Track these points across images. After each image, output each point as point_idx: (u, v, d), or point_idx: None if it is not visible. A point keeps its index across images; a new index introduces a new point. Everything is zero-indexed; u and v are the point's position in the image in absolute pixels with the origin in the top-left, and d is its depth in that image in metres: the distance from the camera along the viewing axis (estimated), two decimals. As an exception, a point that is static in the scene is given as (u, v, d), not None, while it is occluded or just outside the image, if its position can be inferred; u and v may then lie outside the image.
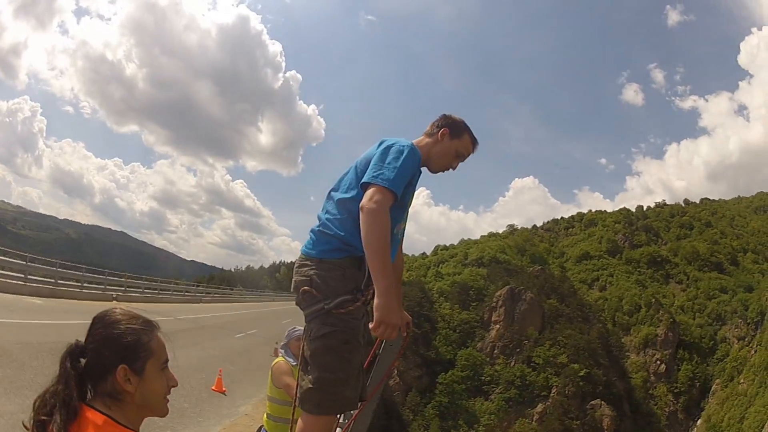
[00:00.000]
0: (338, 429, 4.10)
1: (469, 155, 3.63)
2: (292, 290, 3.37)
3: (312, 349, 3.16)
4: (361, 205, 3.06)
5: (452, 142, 3.50)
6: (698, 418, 69.79)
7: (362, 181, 3.15)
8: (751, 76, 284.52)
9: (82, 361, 1.76)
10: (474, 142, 3.60)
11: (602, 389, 70.79)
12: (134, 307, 1.99)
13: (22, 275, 24.20)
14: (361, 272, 3.19)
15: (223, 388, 14.19)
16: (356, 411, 3.65)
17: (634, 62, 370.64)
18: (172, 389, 1.89)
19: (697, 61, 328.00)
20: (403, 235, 3.65)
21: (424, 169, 3.52)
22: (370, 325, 3.00)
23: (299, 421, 3.26)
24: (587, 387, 70.60)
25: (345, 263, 3.20)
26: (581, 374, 71.28)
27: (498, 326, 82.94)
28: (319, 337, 3.12)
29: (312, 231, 3.36)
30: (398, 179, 3.11)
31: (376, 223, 2.98)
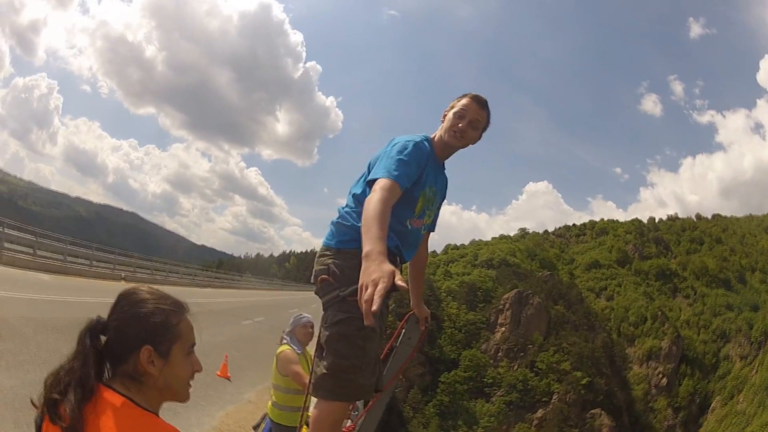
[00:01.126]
0: (349, 421, 4.01)
1: (474, 112, 3.49)
2: (311, 280, 3.40)
3: (327, 336, 3.22)
4: (368, 197, 3.06)
5: (452, 110, 3.50)
6: (697, 434, 69.76)
7: (368, 178, 3.23)
8: None
9: (102, 338, 1.72)
10: (474, 97, 3.54)
11: (603, 399, 70.95)
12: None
13: (31, 250, 24.45)
14: None
15: (228, 374, 14.10)
16: (370, 402, 3.75)
17: (654, 72, 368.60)
18: (196, 375, 1.92)
19: (716, 76, 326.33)
20: (422, 235, 3.61)
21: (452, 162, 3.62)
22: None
23: (314, 407, 3.29)
24: (588, 395, 70.86)
25: (361, 253, 2.96)
26: (583, 382, 71.56)
27: (503, 329, 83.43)
28: (334, 324, 3.17)
29: (332, 223, 3.43)
30: (402, 173, 3.16)
31: (371, 200, 2.96)
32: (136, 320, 1.70)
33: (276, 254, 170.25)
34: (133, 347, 1.67)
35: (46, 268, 23.05)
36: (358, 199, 3.29)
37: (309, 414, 3.64)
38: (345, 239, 3.24)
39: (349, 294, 3.09)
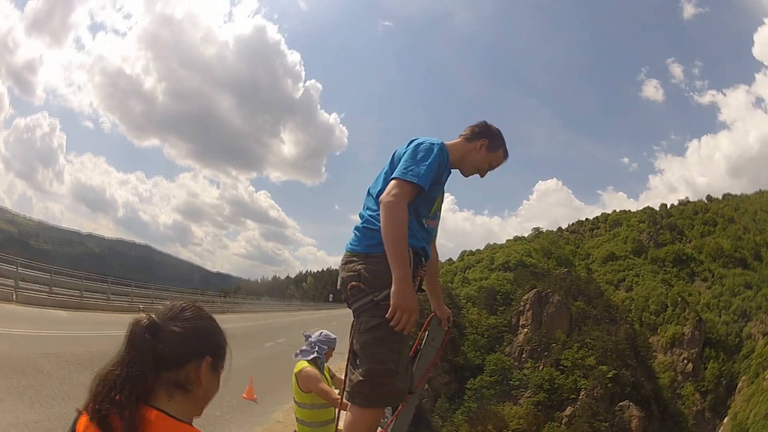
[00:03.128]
0: (379, 428, 3.93)
1: (499, 163, 3.82)
2: (338, 287, 3.43)
3: (362, 342, 3.24)
4: (380, 198, 3.23)
5: (488, 154, 3.69)
6: (725, 416, 69.20)
7: (391, 177, 3.30)
8: (767, 67, 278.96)
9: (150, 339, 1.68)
10: (506, 155, 3.80)
11: (630, 390, 70.51)
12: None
13: (47, 288, 24.55)
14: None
15: (254, 396, 14.29)
16: (400, 406, 3.78)
17: (652, 57, 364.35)
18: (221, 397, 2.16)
19: (713, 55, 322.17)
20: (437, 233, 3.73)
21: (455, 172, 3.73)
22: (388, 313, 3.10)
23: (347, 414, 3.37)
24: (615, 388, 70.37)
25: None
26: (609, 376, 71.07)
27: (526, 330, 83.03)
28: (368, 329, 3.20)
29: (356, 228, 3.43)
30: (426, 174, 3.26)
31: (392, 215, 3.13)
32: (204, 332, 1.76)
33: (292, 275, 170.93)
34: (194, 357, 1.70)
35: (62, 305, 23.38)
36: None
37: (340, 428, 3.71)
38: (373, 243, 3.27)
39: (383, 298, 3.16)
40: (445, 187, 3.67)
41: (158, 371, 1.63)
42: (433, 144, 3.39)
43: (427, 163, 3.28)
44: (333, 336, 6.16)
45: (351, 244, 3.40)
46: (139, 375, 1.58)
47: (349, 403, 3.35)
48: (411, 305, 3.06)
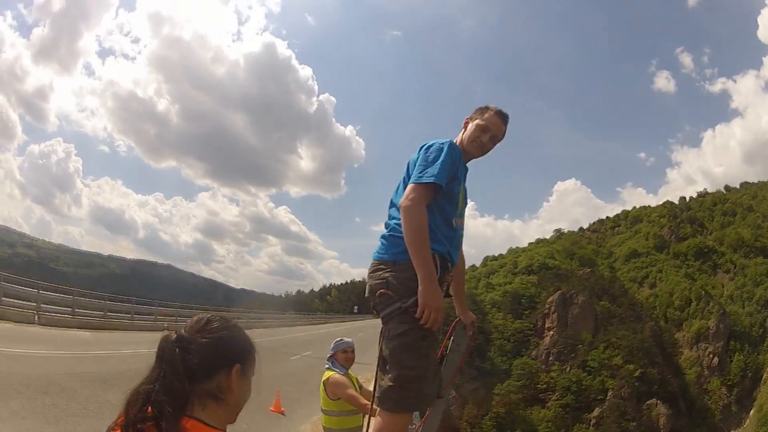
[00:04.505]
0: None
1: (497, 128, 3.68)
2: (367, 295, 3.46)
3: (390, 348, 3.26)
4: (399, 203, 3.29)
5: (478, 124, 3.63)
6: (751, 409, 68.69)
7: (409, 183, 3.34)
8: None
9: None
10: (499, 115, 3.69)
11: (657, 388, 70.30)
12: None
13: (69, 309, 24.28)
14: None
15: (282, 409, 14.18)
16: (428, 411, 3.75)
17: (662, 48, 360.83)
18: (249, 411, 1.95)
19: (720, 41, 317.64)
20: (463, 235, 3.72)
21: (471, 170, 3.74)
22: (416, 313, 3.14)
23: (376, 419, 3.37)
24: (642, 387, 70.26)
25: None
26: (636, 375, 70.95)
27: (552, 332, 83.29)
28: (397, 336, 3.22)
29: (382, 237, 3.46)
30: (440, 172, 3.30)
31: (411, 217, 3.18)
32: (230, 341, 1.79)
33: (316, 289, 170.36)
34: (224, 366, 1.73)
35: (86, 326, 23.32)
36: None
37: None
38: (399, 251, 3.30)
39: (411, 305, 3.18)
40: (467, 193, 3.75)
41: (191, 383, 1.67)
42: (443, 143, 3.46)
43: (439, 161, 3.34)
44: (341, 339, 6.25)
45: (378, 252, 3.45)
46: (172, 388, 1.62)
47: (378, 409, 3.38)
48: (438, 303, 3.13)
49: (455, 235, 3.55)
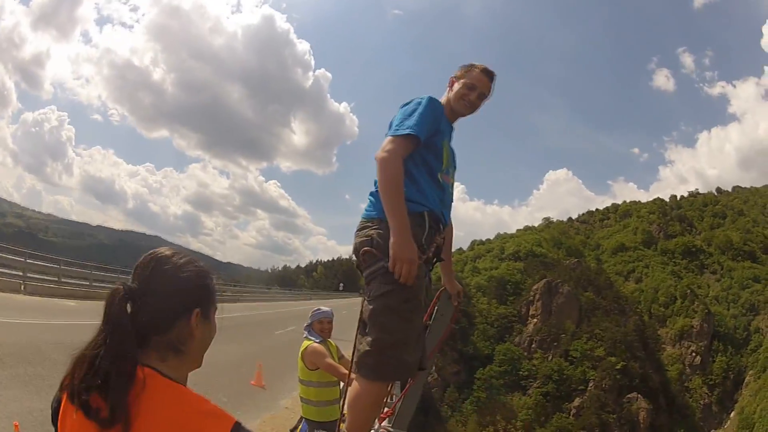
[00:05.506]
0: (385, 407, 3.89)
1: (484, 86, 3.59)
2: (351, 253, 3.33)
3: (371, 310, 3.08)
4: (375, 155, 3.16)
5: (463, 82, 3.54)
6: (732, 411, 69.65)
7: (386, 135, 3.22)
8: None
9: (129, 307, 1.52)
10: (486, 72, 3.60)
11: (638, 382, 70.96)
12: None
13: (56, 278, 24.38)
14: (422, 229, 3.20)
15: (263, 383, 14.21)
16: (408, 383, 3.67)
17: (664, 47, 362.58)
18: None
19: (723, 45, 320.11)
20: (452, 196, 3.60)
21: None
22: (389, 263, 2.98)
23: (352, 386, 3.20)
24: (624, 380, 70.94)
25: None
26: (618, 367, 71.64)
27: (535, 320, 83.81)
28: (378, 296, 3.05)
29: (371, 194, 3.33)
30: (417, 124, 3.17)
31: (386, 167, 3.07)
32: (187, 283, 1.61)
33: (303, 265, 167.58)
34: (183, 312, 1.58)
35: (71, 295, 23.11)
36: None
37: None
38: None
39: None
40: (456, 177, 3.66)
41: (146, 338, 1.53)
42: (422, 98, 3.35)
43: (416, 113, 3.22)
44: (318, 309, 6.16)
45: (366, 210, 3.32)
46: (118, 354, 1.45)
47: (355, 375, 3.21)
48: (410, 255, 2.95)
49: (444, 194, 3.41)
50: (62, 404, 1.54)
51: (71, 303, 21.29)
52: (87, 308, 19.58)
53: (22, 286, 21.51)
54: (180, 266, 1.62)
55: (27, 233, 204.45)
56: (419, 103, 3.29)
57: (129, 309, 1.52)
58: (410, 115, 3.22)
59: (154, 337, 1.54)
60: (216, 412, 1.46)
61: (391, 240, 2.96)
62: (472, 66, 3.60)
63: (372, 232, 3.15)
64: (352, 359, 3.35)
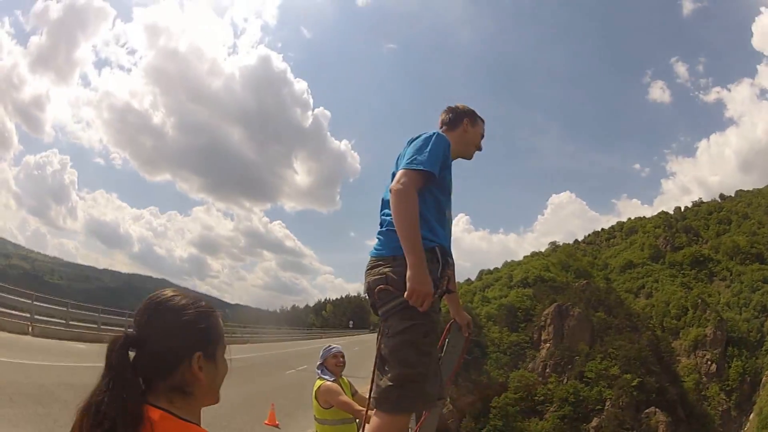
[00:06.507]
0: None
1: (483, 136, 3.90)
2: (364, 292, 3.42)
3: (391, 346, 3.14)
4: (390, 187, 3.21)
5: (475, 128, 3.79)
6: (750, 413, 68.07)
7: (396, 171, 3.30)
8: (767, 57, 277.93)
9: (131, 354, 1.56)
10: (483, 121, 3.90)
11: (656, 396, 69.77)
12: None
13: (63, 321, 24.56)
14: (435, 263, 3.23)
15: (276, 422, 14.18)
16: (424, 415, 3.70)
17: (656, 58, 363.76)
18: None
19: (715, 50, 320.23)
20: (451, 228, 3.65)
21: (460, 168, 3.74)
22: (405, 294, 3.01)
23: (372, 421, 3.20)
24: (641, 396, 69.77)
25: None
26: (634, 384, 70.50)
27: (548, 345, 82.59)
28: (399, 333, 3.11)
29: (379, 234, 3.38)
30: (429, 160, 3.25)
31: (402, 201, 3.09)
32: (183, 328, 1.60)
33: (311, 304, 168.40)
34: (183, 357, 1.57)
35: (80, 338, 23.36)
36: None
37: None
38: (397, 245, 3.18)
39: None
40: (458, 208, 3.83)
41: (151, 383, 1.56)
42: (431, 134, 3.43)
43: (427, 149, 3.30)
44: (329, 346, 6.22)
45: (376, 249, 3.36)
46: (121, 399, 1.47)
47: (374, 411, 3.24)
48: (427, 288, 3.00)
49: (448, 228, 3.50)
50: None
51: (80, 345, 21.51)
52: (96, 351, 19.61)
53: (30, 328, 21.74)
54: (178, 310, 1.63)
55: (32, 275, 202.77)
56: (429, 139, 3.37)
57: (131, 355, 1.56)
58: (421, 150, 3.30)
59: (159, 383, 1.57)
60: None
61: (408, 272, 3.00)
62: (476, 116, 3.83)
63: (386, 270, 3.20)
64: (370, 395, 3.38)
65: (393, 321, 3.15)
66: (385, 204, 3.45)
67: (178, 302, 1.64)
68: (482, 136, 3.87)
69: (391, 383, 3.09)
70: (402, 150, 3.49)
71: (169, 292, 1.68)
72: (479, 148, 3.87)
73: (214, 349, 1.64)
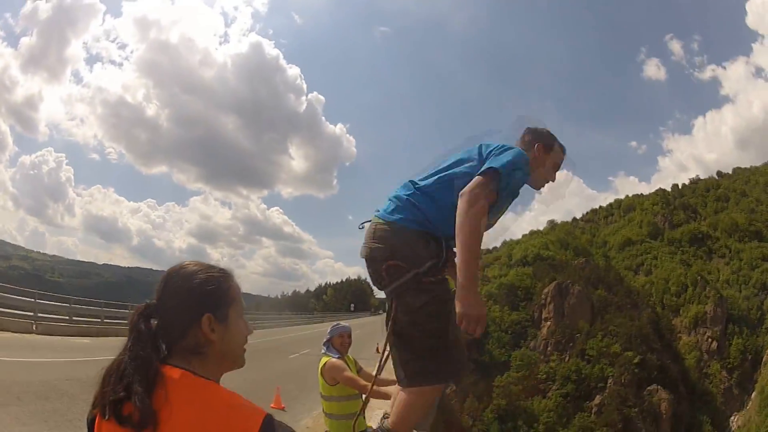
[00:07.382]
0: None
1: (561, 164, 3.61)
2: (364, 255, 3.20)
3: (410, 321, 3.03)
4: (463, 191, 2.94)
5: (548, 156, 3.48)
6: (752, 391, 68.67)
7: (487, 166, 3.04)
8: (762, 36, 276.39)
9: (153, 322, 1.68)
10: (563, 149, 3.59)
11: (657, 374, 70.30)
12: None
13: (67, 317, 24.77)
14: (440, 251, 3.12)
15: (282, 405, 14.38)
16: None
17: (651, 36, 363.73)
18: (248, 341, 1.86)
19: (709, 28, 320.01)
20: None
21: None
22: (456, 320, 2.87)
23: (403, 397, 3.13)
24: (642, 373, 70.21)
25: (426, 235, 3.09)
26: (635, 361, 70.94)
27: (549, 323, 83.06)
28: (420, 308, 3.01)
29: (396, 197, 3.20)
30: (520, 177, 3.18)
31: (477, 211, 2.87)
32: (192, 292, 1.70)
33: (312, 289, 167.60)
34: (193, 320, 1.66)
35: (84, 333, 23.57)
36: (438, 194, 3.13)
37: (362, 417, 3.78)
38: (410, 218, 3.08)
39: (427, 271, 3.02)
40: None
41: (169, 347, 1.67)
42: (521, 151, 3.28)
43: (520, 164, 3.18)
44: (338, 324, 6.27)
45: (385, 211, 3.18)
46: (138, 354, 1.58)
47: (403, 389, 3.16)
48: (480, 312, 2.82)
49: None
50: (96, 420, 1.61)
51: (85, 340, 21.62)
52: (101, 345, 20.11)
53: (34, 326, 21.85)
54: (188, 275, 1.75)
55: (33, 275, 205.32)
56: (521, 155, 3.22)
57: (151, 322, 1.69)
58: (517, 163, 3.13)
59: (176, 346, 1.67)
60: (246, 405, 1.60)
61: (459, 293, 2.83)
62: (553, 140, 3.56)
63: (393, 240, 3.06)
64: (376, 375, 3.49)
65: (410, 297, 3.03)
66: (425, 198, 3.15)
67: (189, 269, 1.77)
68: (556, 165, 3.56)
69: (422, 356, 3.03)
70: (470, 148, 3.31)
71: (187, 263, 1.81)
72: (550, 179, 3.58)
73: (225, 310, 1.73)
